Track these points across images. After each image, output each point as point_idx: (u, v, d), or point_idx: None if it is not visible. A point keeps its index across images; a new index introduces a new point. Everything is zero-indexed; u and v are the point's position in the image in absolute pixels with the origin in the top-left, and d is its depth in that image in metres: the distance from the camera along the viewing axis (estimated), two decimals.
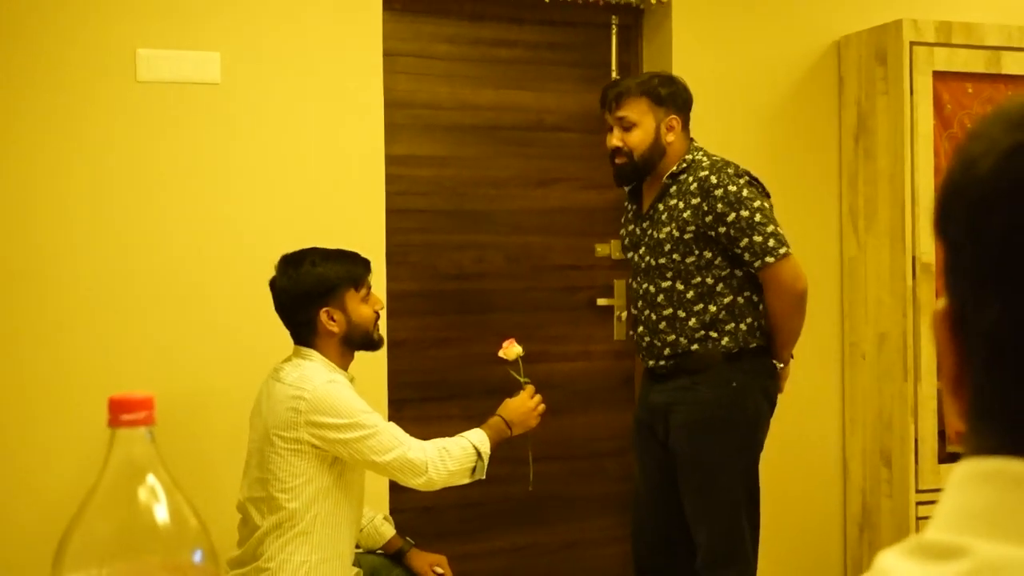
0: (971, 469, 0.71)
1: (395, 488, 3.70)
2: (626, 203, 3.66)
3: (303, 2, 3.91)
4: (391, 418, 3.91)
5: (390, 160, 4.05)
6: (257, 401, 3.17)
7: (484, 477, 3.14)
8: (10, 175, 3.62)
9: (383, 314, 3.28)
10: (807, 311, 3.50)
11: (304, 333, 3.14)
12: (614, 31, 4.50)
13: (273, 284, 3.17)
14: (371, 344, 3.23)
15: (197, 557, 1.00)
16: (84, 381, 3.65)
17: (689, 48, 4.40)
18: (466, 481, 3.12)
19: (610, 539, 4.44)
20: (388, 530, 3.46)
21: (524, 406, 3.26)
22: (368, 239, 3.93)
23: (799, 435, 4.52)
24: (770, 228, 3.35)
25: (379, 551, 3.43)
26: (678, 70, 4.26)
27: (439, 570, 3.39)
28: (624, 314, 4.44)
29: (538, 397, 3.28)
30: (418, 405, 4.18)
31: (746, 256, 3.35)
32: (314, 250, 3.19)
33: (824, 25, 4.63)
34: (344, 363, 3.17)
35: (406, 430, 3.10)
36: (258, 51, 3.85)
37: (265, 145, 3.86)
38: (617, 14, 4.49)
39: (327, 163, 3.93)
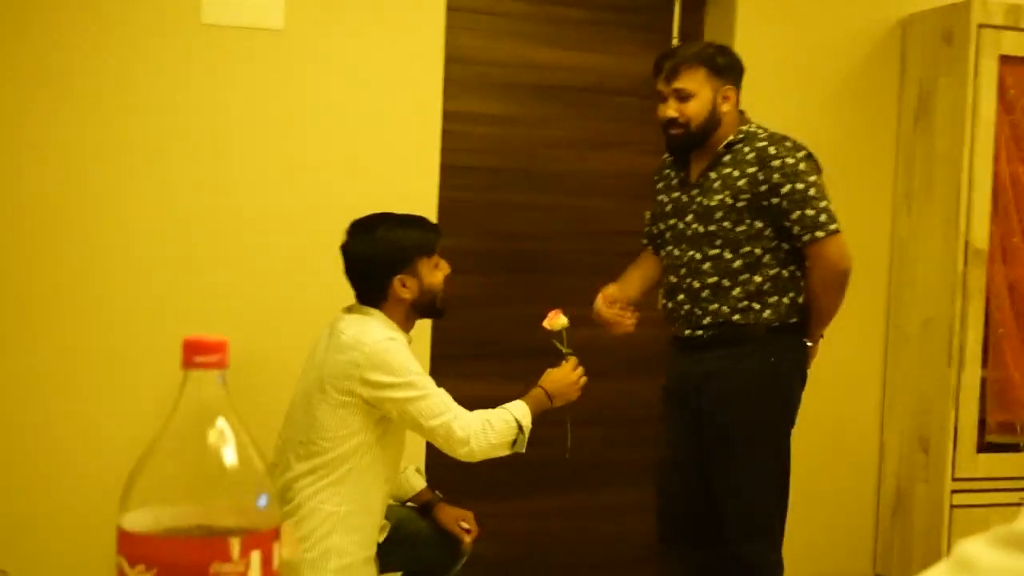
0: None
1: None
2: (666, 171, 3.62)
3: None
4: (433, 374, 3.93)
5: (447, 116, 4.04)
6: (313, 347, 3.19)
7: (524, 451, 3.15)
8: (74, 121, 3.64)
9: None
10: (851, 291, 3.49)
11: (374, 296, 3.14)
12: None
13: (345, 248, 3.18)
14: (435, 312, 3.25)
15: (262, 501, 1.01)
16: (155, 325, 3.71)
17: (753, 20, 4.36)
18: (506, 453, 3.13)
19: (644, 507, 4.45)
20: (419, 482, 3.49)
21: (567, 378, 3.26)
22: (420, 193, 3.94)
23: (837, 415, 4.51)
24: (823, 203, 3.34)
25: (408, 502, 3.45)
26: (740, 42, 4.23)
27: (465, 525, 3.40)
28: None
29: (580, 369, 3.28)
30: (462, 362, 4.20)
31: (795, 229, 3.33)
32: (386, 216, 3.19)
33: (890, 2, 4.57)
34: (407, 327, 3.19)
35: (447, 387, 3.11)
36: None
37: (325, 94, 3.87)
38: None
39: (385, 116, 3.93)
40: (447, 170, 4.05)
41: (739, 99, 3.48)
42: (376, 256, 3.12)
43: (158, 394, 3.52)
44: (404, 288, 3.12)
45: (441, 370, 3.98)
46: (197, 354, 1.01)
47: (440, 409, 3.03)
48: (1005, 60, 4.31)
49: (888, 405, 4.62)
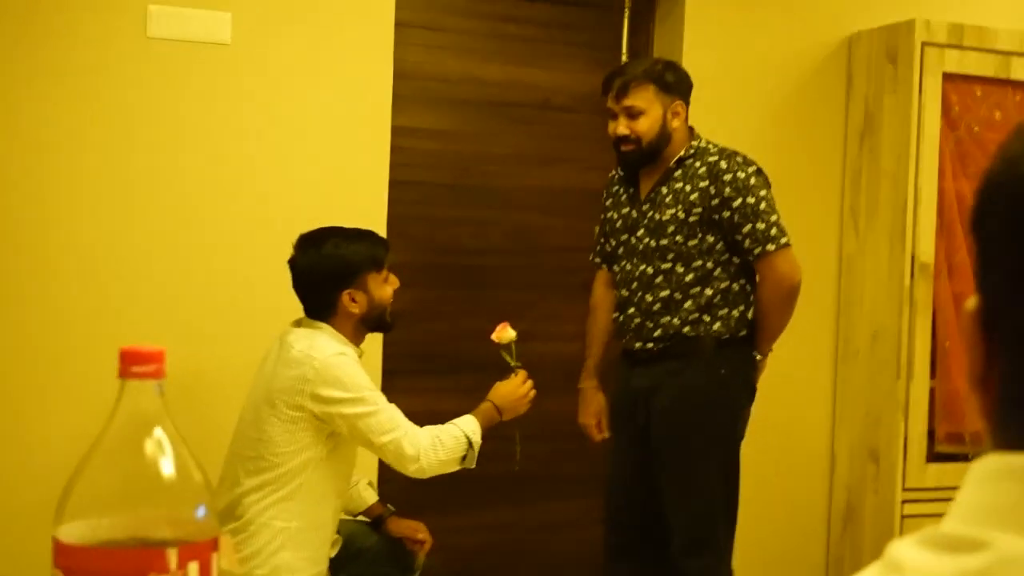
0: (994, 464, 0.71)
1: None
2: (615, 187, 3.64)
3: None
4: (383, 388, 3.91)
5: (395, 131, 4.04)
6: (263, 361, 3.17)
7: (473, 466, 3.14)
8: (20, 130, 3.61)
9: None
10: (800, 306, 3.52)
11: (323, 311, 3.12)
12: (626, 14, 4.48)
13: (293, 263, 3.15)
14: (384, 326, 3.24)
15: (200, 513, 1.00)
16: (94, 333, 3.66)
17: (700, 36, 4.39)
18: (456, 469, 3.12)
19: (594, 520, 4.45)
20: (370, 496, 3.47)
21: (516, 392, 3.25)
22: (370, 209, 3.93)
23: (787, 428, 4.53)
24: (773, 217, 3.38)
25: (359, 516, 3.43)
26: (688, 58, 4.26)
27: (420, 536, 3.39)
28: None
29: (529, 383, 3.27)
30: (410, 377, 4.18)
31: (746, 243, 3.36)
32: (334, 230, 3.17)
33: (836, 21, 4.62)
34: (357, 340, 3.18)
35: (397, 402, 3.10)
36: (269, 14, 3.84)
37: (272, 108, 3.86)
38: None
39: (333, 130, 3.92)
40: (394, 185, 4.04)
41: (688, 114, 3.51)
42: (324, 271, 3.10)
43: (96, 403, 3.47)
44: (353, 303, 3.11)
45: (389, 385, 3.96)
46: (134, 364, 1.00)
47: (390, 425, 3.01)
48: (948, 78, 4.36)
49: (838, 417, 4.65)
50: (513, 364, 3.28)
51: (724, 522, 3.47)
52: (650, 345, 3.46)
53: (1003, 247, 0.73)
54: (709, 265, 3.40)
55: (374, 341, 3.88)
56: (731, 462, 3.49)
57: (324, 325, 3.10)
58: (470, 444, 3.09)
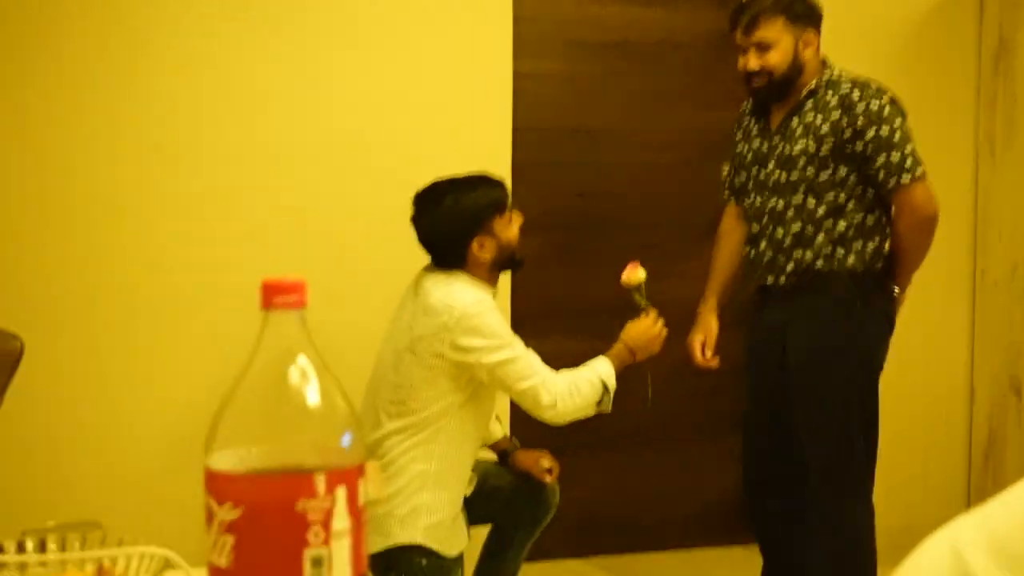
0: None
1: None
2: (745, 120, 3.58)
3: None
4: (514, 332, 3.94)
5: (516, 76, 4.03)
6: (400, 308, 3.21)
7: (609, 410, 3.15)
8: (111, 84, 3.69)
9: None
10: (936, 237, 3.42)
11: (453, 261, 3.14)
12: None
13: (416, 221, 3.17)
14: (514, 264, 3.25)
15: (346, 441, 1.02)
16: (237, 266, 3.77)
17: None
18: (592, 414, 3.14)
19: (733, 459, 4.43)
20: (498, 430, 3.50)
21: (648, 331, 3.26)
22: (495, 155, 3.94)
23: (925, 361, 4.45)
24: (908, 147, 3.28)
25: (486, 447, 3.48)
26: None
27: (545, 463, 3.40)
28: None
29: (661, 322, 3.27)
30: (540, 320, 4.20)
31: (880, 175, 3.28)
32: (449, 183, 3.18)
33: None
34: (492, 281, 3.20)
35: (528, 345, 3.11)
36: None
37: (392, 57, 3.88)
38: None
39: (454, 77, 3.93)
40: (517, 131, 4.04)
41: (820, 44, 3.42)
42: (449, 225, 3.12)
43: (242, 336, 3.57)
44: (482, 249, 3.12)
45: (519, 329, 3.94)
46: (276, 295, 1.01)
47: (528, 372, 3.04)
48: None
49: (978, 349, 4.55)
50: (643, 305, 3.27)
51: (864, 458, 3.42)
52: (783, 280, 3.41)
53: None
54: (842, 198, 3.32)
55: (504, 285, 3.91)
56: (869, 399, 3.42)
57: (459, 272, 3.14)
58: (605, 388, 3.11)
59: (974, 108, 4.53)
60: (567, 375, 3.09)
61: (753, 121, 3.52)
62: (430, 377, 3.03)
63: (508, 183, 3.89)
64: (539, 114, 4.21)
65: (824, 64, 3.41)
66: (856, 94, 3.29)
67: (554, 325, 4.24)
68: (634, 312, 3.29)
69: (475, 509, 3.28)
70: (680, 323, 4.18)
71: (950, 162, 4.44)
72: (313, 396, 1.01)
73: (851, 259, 3.33)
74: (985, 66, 4.49)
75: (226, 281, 3.76)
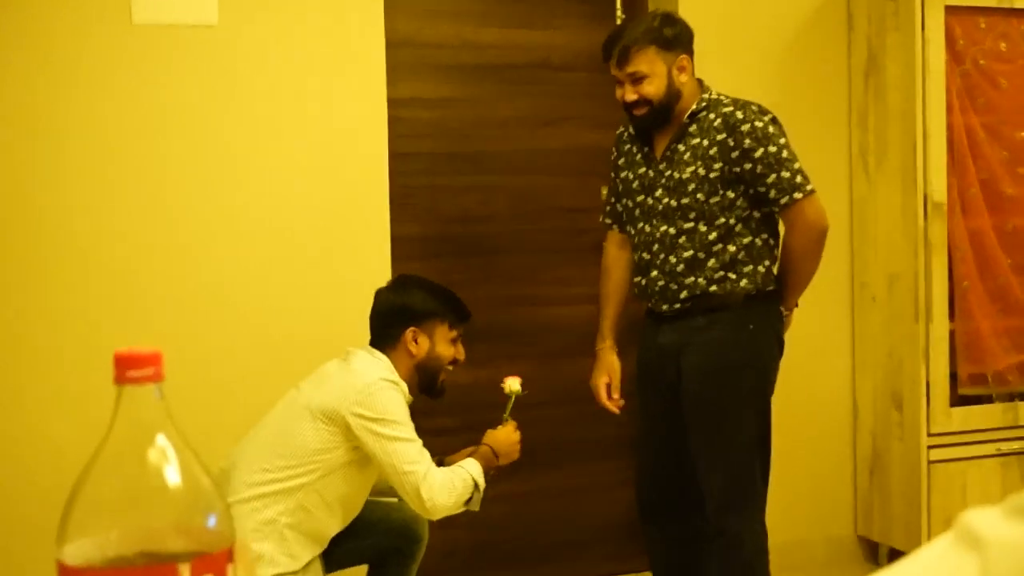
0: None
1: None
2: (627, 146, 3.55)
3: None
4: None
5: (392, 102, 3.97)
6: (320, 369, 3.21)
7: (477, 509, 3.19)
8: (3, 120, 3.55)
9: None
10: None
11: (385, 342, 3.21)
12: None
13: (379, 292, 3.30)
14: (433, 389, 3.30)
15: (211, 521, 0.94)
16: (87, 338, 3.61)
17: None
18: (459, 511, 3.16)
19: (615, 483, 4.41)
20: None
21: (510, 438, 3.32)
22: (371, 183, 3.88)
23: (809, 378, 4.48)
24: (796, 165, 3.30)
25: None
26: (685, 8, 4.18)
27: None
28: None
29: (518, 433, 3.34)
30: None
31: (772, 193, 3.28)
32: (429, 281, 3.34)
33: None
34: (410, 391, 3.22)
35: None
36: None
37: (264, 88, 3.79)
38: None
39: (328, 105, 3.86)
40: (395, 157, 3.98)
41: (694, 66, 3.41)
42: (399, 303, 3.24)
43: (94, 413, 3.44)
44: (415, 343, 3.20)
45: None
46: (130, 368, 0.94)
47: (416, 457, 3.06)
48: (951, 11, 4.28)
49: (859, 364, 4.60)
50: (505, 417, 3.34)
51: (759, 479, 3.42)
52: (677, 306, 3.40)
53: None
54: (731, 221, 3.32)
55: None
56: (764, 418, 3.43)
57: (384, 357, 3.18)
58: (476, 487, 3.16)
59: (847, 123, 4.58)
60: (445, 473, 3.12)
61: (635, 148, 3.49)
62: (321, 435, 3.03)
63: (386, 209, 3.85)
64: (417, 139, 4.15)
65: (702, 86, 3.41)
66: (739, 114, 3.29)
67: None
68: (499, 418, 3.33)
69: (344, 550, 3.25)
70: (564, 346, 4.15)
71: (826, 178, 4.47)
72: (173, 475, 0.93)
73: (743, 282, 3.34)
74: (856, 81, 4.55)
75: (81, 349, 3.61)
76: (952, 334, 4.33)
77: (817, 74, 4.54)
